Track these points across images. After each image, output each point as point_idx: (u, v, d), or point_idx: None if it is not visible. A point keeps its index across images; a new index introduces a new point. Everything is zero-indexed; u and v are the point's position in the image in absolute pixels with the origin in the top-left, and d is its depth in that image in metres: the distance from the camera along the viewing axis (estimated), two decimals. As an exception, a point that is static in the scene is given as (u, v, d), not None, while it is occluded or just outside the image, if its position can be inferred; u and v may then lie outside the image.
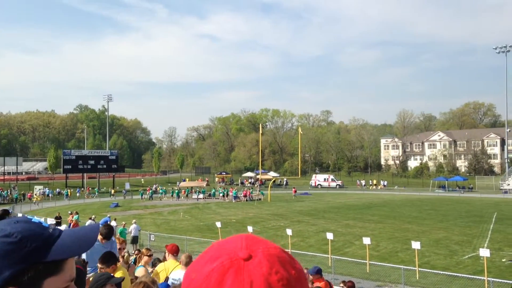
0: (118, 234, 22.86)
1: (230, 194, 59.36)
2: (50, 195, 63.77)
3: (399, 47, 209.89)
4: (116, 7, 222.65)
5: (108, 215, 30.00)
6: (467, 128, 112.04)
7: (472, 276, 15.82)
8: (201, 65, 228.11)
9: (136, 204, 53.10)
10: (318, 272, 9.09)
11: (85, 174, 76.10)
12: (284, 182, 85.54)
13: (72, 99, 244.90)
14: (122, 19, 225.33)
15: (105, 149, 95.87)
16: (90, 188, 69.81)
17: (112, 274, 4.47)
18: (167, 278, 7.00)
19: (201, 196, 59.10)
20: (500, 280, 14.91)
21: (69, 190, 63.75)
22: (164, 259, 8.40)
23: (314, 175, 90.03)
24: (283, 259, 0.93)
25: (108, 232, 6.40)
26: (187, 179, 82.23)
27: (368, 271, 18.16)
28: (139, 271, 7.25)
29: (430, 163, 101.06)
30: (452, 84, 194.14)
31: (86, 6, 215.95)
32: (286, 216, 38.87)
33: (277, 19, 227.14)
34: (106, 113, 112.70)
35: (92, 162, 74.08)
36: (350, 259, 19.60)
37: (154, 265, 8.78)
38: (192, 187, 64.64)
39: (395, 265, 17.91)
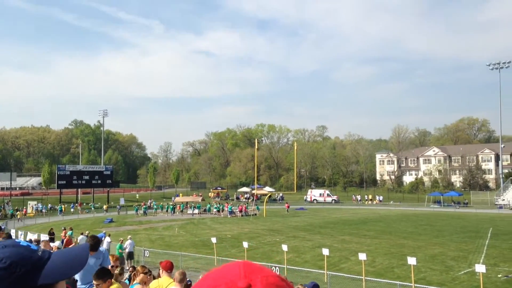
0: (116, 250, 22.73)
1: (226, 209, 59.11)
2: (43, 210, 63.21)
3: (394, 63, 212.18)
4: (112, 24, 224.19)
5: (103, 231, 29.79)
6: (461, 144, 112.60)
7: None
8: (197, 80, 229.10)
9: (131, 220, 52.72)
10: (314, 288, 9.03)
11: (79, 190, 75.66)
12: (279, 197, 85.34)
13: (67, 114, 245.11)
14: (118, 35, 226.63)
15: (100, 164, 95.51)
16: (82, 204, 69.30)
17: None
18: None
19: (196, 211, 58.78)
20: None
21: (63, 206, 63.15)
22: (158, 276, 8.33)
23: (309, 190, 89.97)
24: None
25: (95, 243, 6.33)
26: (180, 194, 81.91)
27: (364, 287, 18.05)
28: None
29: (425, 178, 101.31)
30: (446, 100, 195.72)
31: (82, 22, 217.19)
32: (282, 231, 38.70)
33: (273, 35, 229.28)
34: (102, 128, 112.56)
35: (86, 177, 73.72)
36: (346, 275, 19.48)
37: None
38: (187, 202, 64.32)
39: (391, 281, 17.81)
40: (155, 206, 64.01)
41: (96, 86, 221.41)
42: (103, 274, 5.41)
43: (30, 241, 19.23)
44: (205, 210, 61.41)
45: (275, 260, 24.04)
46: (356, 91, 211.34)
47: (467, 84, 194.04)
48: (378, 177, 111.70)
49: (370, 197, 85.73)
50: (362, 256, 18.89)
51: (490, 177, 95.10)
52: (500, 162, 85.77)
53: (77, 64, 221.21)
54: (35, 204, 65.54)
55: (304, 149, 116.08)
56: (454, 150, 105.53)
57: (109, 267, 6.93)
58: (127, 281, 9.79)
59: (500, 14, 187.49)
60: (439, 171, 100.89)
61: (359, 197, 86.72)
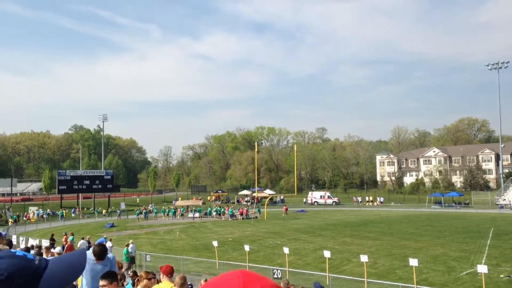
0: (124, 255, 22.72)
1: (227, 212, 59.08)
2: (44, 216, 63.22)
3: (391, 65, 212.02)
4: (109, 28, 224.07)
5: (104, 236, 29.76)
6: (461, 144, 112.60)
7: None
8: (196, 84, 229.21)
9: (132, 224, 52.70)
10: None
11: (80, 195, 75.65)
12: (279, 200, 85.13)
13: (67, 119, 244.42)
14: (116, 40, 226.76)
15: (100, 169, 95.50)
16: (82, 209, 69.28)
17: None
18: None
19: (197, 215, 58.75)
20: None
21: (64, 211, 63.26)
22: (159, 281, 8.32)
23: (310, 192, 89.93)
24: None
25: (101, 252, 6.19)
26: (179, 198, 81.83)
27: (366, 289, 18.04)
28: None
29: (426, 179, 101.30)
30: (445, 101, 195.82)
31: (80, 27, 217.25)
32: (283, 234, 38.68)
33: (271, 38, 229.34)
34: (101, 133, 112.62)
35: (87, 182, 73.70)
36: (347, 277, 19.45)
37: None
38: (188, 206, 64.30)
39: (393, 283, 17.79)
40: (155, 210, 64.00)
41: (95, 91, 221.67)
42: (110, 275, 5.45)
43: (32, 247, 19.23)
44: (206, 214, 61.38)
45: (276, 263, 24.02)
46: (355, 93, 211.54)
47: (466, 85, 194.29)
48: (378, 178, 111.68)
49: (371, 198, 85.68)
50: (364, 258, 18.89)
51: (491, 177, 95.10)
52: (500, 162, 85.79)
53: (76, 69, 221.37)
54: (36, 210, 65.54)
55: (304, 151, 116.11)
56: (454, 150, 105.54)
57: None
58: (130, 286, 9.77)
59: (497, 14, 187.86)
60: (440, 171, 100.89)
61: (359, 199, 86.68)
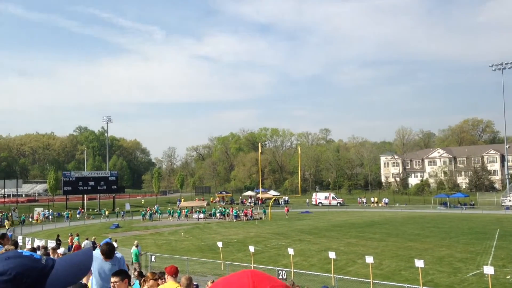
0: (133, 256, 22.73)
1: (231, 213, 59.08)
2: (50, 217, 63.52)
3: (395, 65, 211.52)
4: (113, 30, 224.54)
5: (109, 237, 29.83)
6: (466, 145, 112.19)
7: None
8: (199, 85, 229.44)
9: (137, 225, 52.81)
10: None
11: (85, 196, 75.92)
12: (283, 201, 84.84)
13: (72, 121, 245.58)
14: (119, 42, 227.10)
15: (105, 170, 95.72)
16: (87, 210, 69.44)
17: None
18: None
19: (201, 216, 58.80)
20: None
21: (69, 212, 63.64)
22: (164, 281, 8.35)
23: (314, 193, 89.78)
24: None
25: (109, 251, 6.24)
26: (182, 200, 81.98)
27: (371, 290, 17.98)
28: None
29: (431, 180, 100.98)
30: (450, 101, 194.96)
31: (84, 29, 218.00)
32: (288, 235, 38.65)
33: (274, 39, 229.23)
34: (106, 134, 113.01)
35: (92, 183, 73.91)
36: (353, 278, 19.42)
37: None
38: (192, 207, 64.37)
39: (399, 284, 17.74)
40: (159, 211, 64.15)
41: (99, 93, 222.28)
42: (122, 273, 5.53)
43: (38, 247, 19.29)
44: (210, 215, 61.43)
45: (281, 263, 23.99)
46: (358, 94, 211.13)
47: (471, 85, 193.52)
48: (383, 179, 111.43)
49: (375, 199, 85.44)
50: (369, 259, 18.84)
51: (496, 178, 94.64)
52: (505, 162, 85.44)
53: (79, 70, 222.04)
54: (41, 211, 65.83)
55: (308, 153, 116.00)
56: (459, 151, 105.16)
57: None
58: (137, 286, 9.79)
59: (501, 14, 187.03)
60: (445, 172, 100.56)
61: (364, 200, 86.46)
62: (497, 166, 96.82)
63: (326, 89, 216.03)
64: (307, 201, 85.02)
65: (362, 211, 68.28)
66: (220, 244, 24.81)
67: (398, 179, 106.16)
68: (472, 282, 19.66)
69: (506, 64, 79.25)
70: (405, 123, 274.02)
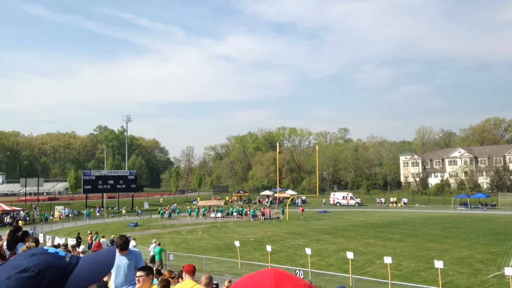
0: (155, 254, 22.97)
1: (249, 213, 59.15)
2: (70, 215, 64.61)
3: (416, 64, 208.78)
4: (133, 30, 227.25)
5: (128, 235, 30.13)
6: (488, 145, 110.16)
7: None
8: (217, 85, 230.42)
9: (155, 224, 53.29)
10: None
11: (104, 194, 76.95)
12: (300, 201, 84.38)
13: (92, 120, 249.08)
14: (139, 42, 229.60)
15: (124, 169, 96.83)
16: (106, 208, 70.39)
17: None
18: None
19: (219, 215, 59.03)
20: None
21: (90, 210, 64.75)
22: (181, 279, 8.42)
23: (332, 193, 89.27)
24: None
25: (123, 242, 6.38)
26: (198, 199, 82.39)
27: (390, 291, 17.81)
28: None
29: (451, 180, 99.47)
30: (471, 100, 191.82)
31: (104, 30, 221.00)
32: (305, 234, 38.53)
33: (292, 38, 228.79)
34: (125, 133, 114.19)
35: (111, 182, 74.84)
36: (371, 278, 19.26)
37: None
38: (210, 206, 64.67)
39: (418, 285, 17.53)
40: (177, 210, 64.63)
41: (119, 92, 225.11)
42: (147, 268, 5.67)
43: (58, 245, 19.64)
44: (228, 214, 61.62)
45: (298, 263, 23.94)
46: (378, 93, 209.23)
47: (492, 84, 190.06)
48: (402, 179, 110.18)
49: (395, 199, 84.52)
50: (388, 260, 18.66)
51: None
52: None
53: (100, 70, 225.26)
54: (62, 209, 66.98)
55: (326, 152, 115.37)
56: (480, 151, 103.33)
57: None
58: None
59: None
60: (465, 172, 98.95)
61: (383, 200, 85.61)
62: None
63: (345, 88, 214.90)
64: (323, 200, 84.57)
65: (381, 211, 67.67)
66: (237, 243, 24.86)
67: (417, 179, 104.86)
68: (493, 284, 19.32)
69: (529, 62, 77.60)
70: (425, 122, 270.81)
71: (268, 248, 23.53)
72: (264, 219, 56.43)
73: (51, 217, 62.05)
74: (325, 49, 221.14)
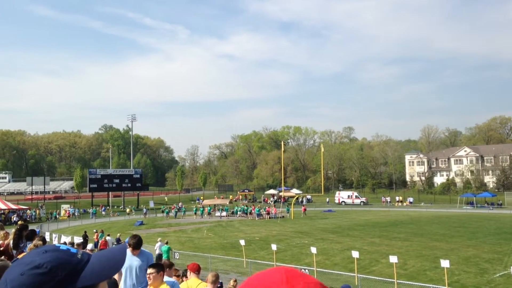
0: (162, 253, 23.05)
1: (253, 211, 59.15)
2: (76, 213, 64.93)
3: (420, 63, 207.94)
4: (138, 30, 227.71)
5: (133, 234, 30.22)
6: (494, 143, 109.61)
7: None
8: (221, 84, 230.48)
9: (160, 222, 53.43)
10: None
11: (110, 193, 77.24)
12: (305, 200, 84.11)
13: (97, 119, 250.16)
14: (144, 41, 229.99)
15: (129, 168, 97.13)
16: (112, 207, 70.70)
17: None
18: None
19: (224, 213, 59.09)
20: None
21: (96, 209, 65.10)
22: (186, 278, 8.44)
23: (337, 192, 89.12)
24: None
25: (137, 242, 6.37)
26: (201, 198, 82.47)
27: (395, 290, 17.76)
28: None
29: (457, 179, 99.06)
30: (477, 99, 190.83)
31: (109, 29, 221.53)
32: (310, 233, 38.50)
33: (296, 37, 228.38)
34: (130, 132, 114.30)
35: (117, 180, 75.13)
36: (377, 277, 19.22)
37: None
38: (215, 205, 64.76)
39: (424, 284, 17.47)
40: (183, 209, 64.74)
41: (124, 91, 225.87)
42: (158, 265, 5.71)
43: (65, 244, 19.80)
44: (232, 213, 61.68)
45: (304, 262, 23.93)
46: (382, 92, 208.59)
47: (498, 83, 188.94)
48: (408, 178, 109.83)
49: (400, 198, 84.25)
50: (393, 259, 18.61)
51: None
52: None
53: (105, 70, 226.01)
54: (68, 207, 67.32)
55: (331, 151, 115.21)
56: (486, 150, 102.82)
57: None
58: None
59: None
60: (471, 171, 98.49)
61: (388, 199, 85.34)
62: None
63: (350, 87, 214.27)
64: (327, 199, 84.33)
65: (386, 210, 67.50)
66: (242, 242, 24.87)
67: (423, 178, 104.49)
68: (500, 283, 19.23)
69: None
70: (430, 121, 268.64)
71: (274, 247, 23.54)
72: (269, 218, 56.42)
73: (57, 216, 62.37)
74: (330, 47, 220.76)
